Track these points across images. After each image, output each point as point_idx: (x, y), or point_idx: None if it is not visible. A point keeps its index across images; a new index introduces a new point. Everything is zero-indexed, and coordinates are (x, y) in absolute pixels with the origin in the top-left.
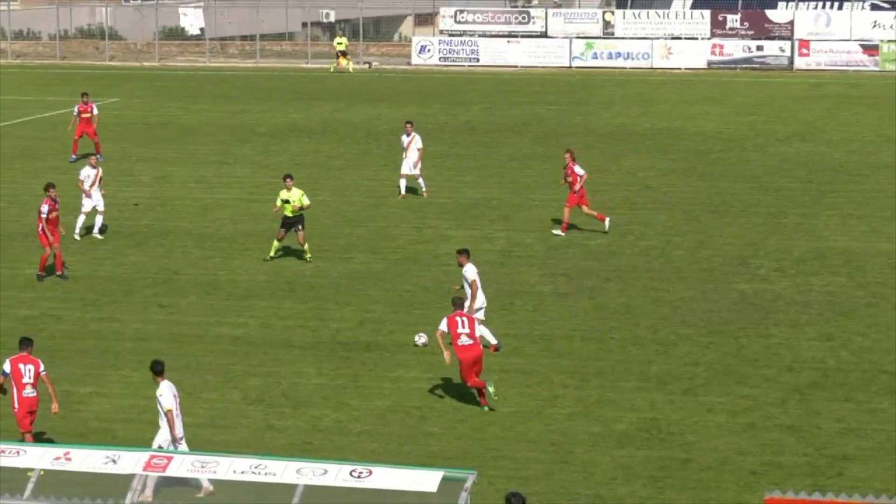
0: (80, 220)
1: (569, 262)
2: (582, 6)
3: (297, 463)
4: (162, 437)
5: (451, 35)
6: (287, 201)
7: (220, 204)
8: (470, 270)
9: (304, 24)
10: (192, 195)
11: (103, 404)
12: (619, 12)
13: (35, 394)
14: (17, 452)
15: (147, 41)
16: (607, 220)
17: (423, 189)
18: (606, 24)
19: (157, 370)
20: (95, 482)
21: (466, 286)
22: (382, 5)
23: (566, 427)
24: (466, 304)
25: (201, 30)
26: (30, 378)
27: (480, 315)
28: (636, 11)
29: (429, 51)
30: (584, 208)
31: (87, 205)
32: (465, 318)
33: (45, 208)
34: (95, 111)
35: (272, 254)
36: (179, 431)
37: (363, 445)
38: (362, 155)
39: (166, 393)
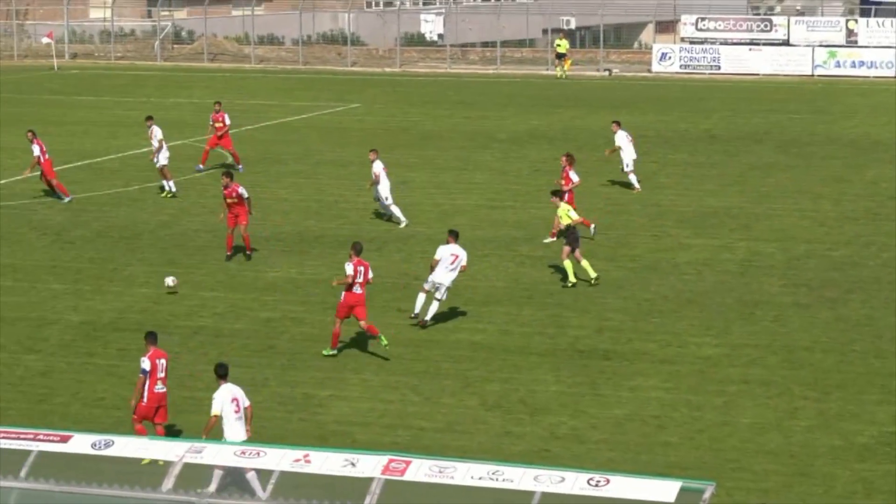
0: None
1: (810, 272)
2: (825, 14)
3: (535, 470)
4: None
5: (692, 42)
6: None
7: (460, 210)
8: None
9: (545, 31)
10: (431, 200)
11: (343, 407)
12: (862, 20)
13: (165, 389)
14: (258, 454)
15: (388, 47)
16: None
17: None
18: (850, 33)
19: (220, 374)
20: (334, 485)
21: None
22: (623, 13)
23: (806, 439)
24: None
25: (441, 36)
26: (162, 372)
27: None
28: (880, 20)
29: (669, 58)
30: None
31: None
32: (363, 267)
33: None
34: (227, 121)
35: (572, 279)
36: (232, 436)
37: (600, 454)
38: (602, 163)
39: (218, 397)
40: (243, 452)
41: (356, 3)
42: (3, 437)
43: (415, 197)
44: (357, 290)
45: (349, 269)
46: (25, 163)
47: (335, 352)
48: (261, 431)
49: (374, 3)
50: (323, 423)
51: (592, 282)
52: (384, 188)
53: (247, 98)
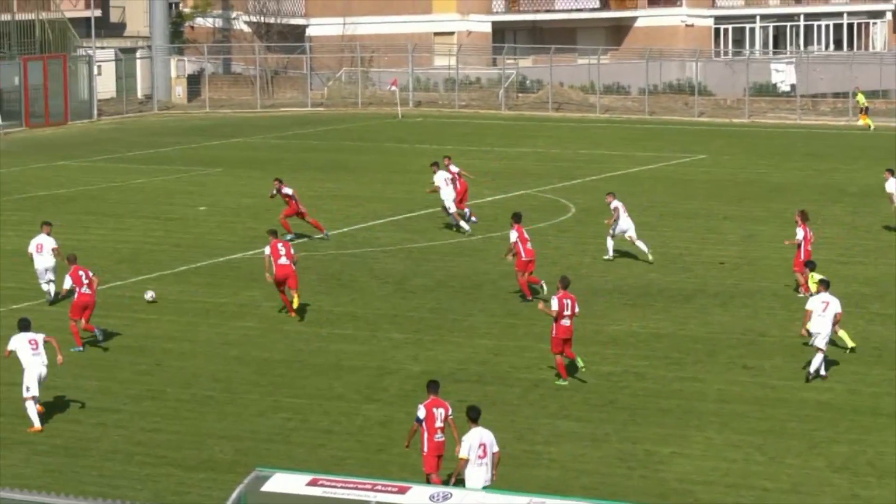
0: (643, 245)
1: None
2: None
3: None
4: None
5: None
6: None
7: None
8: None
9: None
10: (779, 255)
11: (685, 465)
12: None
13: (443, 438)
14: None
15: (737, 97)
16: None
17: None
18: None
19: (471, 416)
20: None
21: None
22: None
23: None
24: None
25: (792, 86)
26: (441, 422)
27: None
28: None
29: None
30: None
31: None
32: (569, 300)
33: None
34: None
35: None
36: (472, 480)
37: None
38: None
39: (467, 441)
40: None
41: (704, 52)
42: (342, 487)
43: (762, 250)
44: (566, 322)
45: (555, 303)
46: (369, 212)
47: (566, 382)
48: (600, 487)
49: (722, 53)
50: (664, 481)
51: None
52: (624, 223)
53: (591, 148)
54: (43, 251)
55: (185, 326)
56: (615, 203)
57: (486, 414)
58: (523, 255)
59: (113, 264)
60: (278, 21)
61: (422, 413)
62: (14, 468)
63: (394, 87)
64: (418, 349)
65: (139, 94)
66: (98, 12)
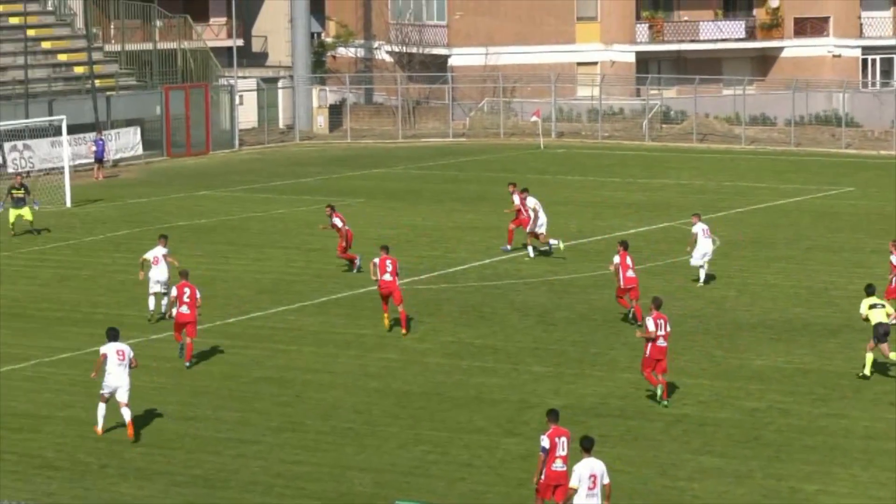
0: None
1: None
2: None
3: None
4: None
5: None
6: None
7: None
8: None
9: None
10: None
11: (830, 503)
12: None
13: (564, 468)
14: None
15: (884, 128)
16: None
17: None
18: None
19: (584, 446)
20: None
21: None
22: None
23: None
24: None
25: None
26: (563, 450)
27: None
28: None
29: None
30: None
31: None
32: (662, 321)
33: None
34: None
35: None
36: None
37: None
38: None
39: (577, 470)
40: None
41: (851, 83)
42: None
43: None
44: (661, 342)
45: (650, 323)
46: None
47: (666, 403)
48: None
49: (870, 84)
50: None
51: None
52: (704, 246)
53: (736, 179)
54: (160, 263)
55: (326, 358)
56: (698, 226)
57: (627, 449)
58: (622, 282)
59: (254, 294)
60: (420, 51)
61: (546, 443)
62: (153, 499)
63: (536, 118)
64: (560, 383)
65: (280, 124)
66: (240, 42)
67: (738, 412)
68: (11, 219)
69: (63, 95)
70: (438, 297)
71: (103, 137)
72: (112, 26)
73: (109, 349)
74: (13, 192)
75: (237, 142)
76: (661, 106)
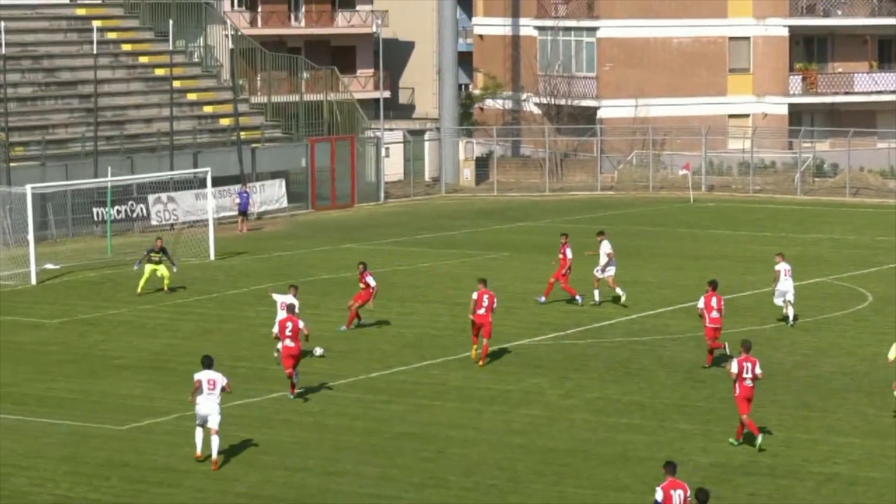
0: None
1: None
2: None
3: None
4: None
5: None
6: None
7: None
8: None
9: None
10: None
11: None
12: None
13: None
14: None
15: None
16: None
17: None
18: None
19: (700, 499)
20: None
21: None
22: None
23: None
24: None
25: None
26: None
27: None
28: None
29: None
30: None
31: None
32: (749, 364)
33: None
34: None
35: None
36: None
37: None
38: None
39: (659, 494)
40: None
41: None
42: None
43: None
44: (748, 383)
45: (734, 365)
46: (659, 298)
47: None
48: None
49: None
50: None
51: None
52: (784, 285)
53: (890, 234)
54: (285, 309)
55: (469, 413)
56: (781, 265)
57: None
58: (707, 321)
59: (397, 349)
60: (569, 103)
61: (660, 496)
62: None
63: (685, 171)
64: (707, 441)
65: (426, 177)
66: (387, 94)
67: (890, 471)
68: (146, 274)
69: (208, 147)
70: (585, 352)
71: (248, 190)
72: (258, 78)
73: (203, 377)
74: (152, 255)
75: (382, 194)
76: (813, 159)
